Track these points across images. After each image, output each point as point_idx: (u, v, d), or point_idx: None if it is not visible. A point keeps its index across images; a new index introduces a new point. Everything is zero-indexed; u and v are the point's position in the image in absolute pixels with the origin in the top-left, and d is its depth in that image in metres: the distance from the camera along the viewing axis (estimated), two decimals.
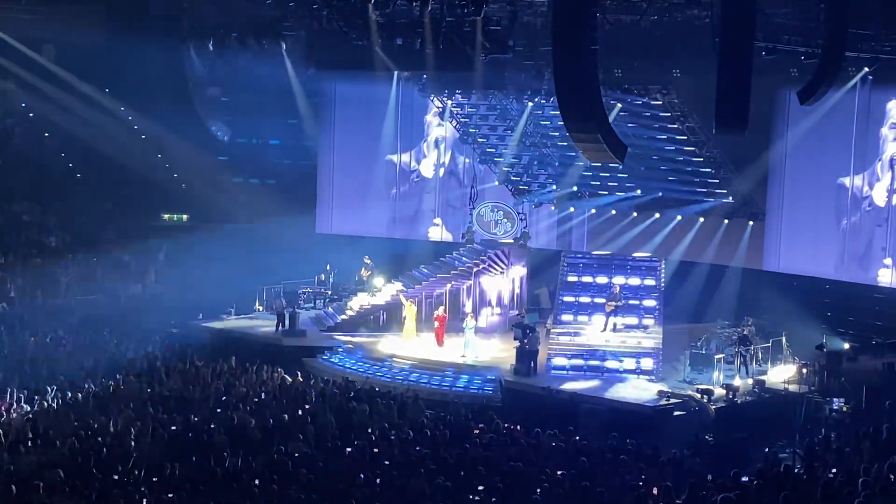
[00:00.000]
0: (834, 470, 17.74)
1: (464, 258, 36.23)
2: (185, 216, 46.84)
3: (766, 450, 21.54)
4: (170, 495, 17.43)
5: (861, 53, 28.99)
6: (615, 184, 36.70)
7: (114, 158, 42.49)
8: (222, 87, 36.39)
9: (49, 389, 25.27)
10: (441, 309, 32.93)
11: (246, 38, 29.86)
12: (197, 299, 37.93)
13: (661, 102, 31.67)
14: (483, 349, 31.63)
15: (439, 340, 32.05)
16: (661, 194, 35.66)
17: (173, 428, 21.67)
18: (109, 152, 42.32)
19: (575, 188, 37.31)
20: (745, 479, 17.38)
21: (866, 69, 30.43)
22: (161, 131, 40.90)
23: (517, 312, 34.54)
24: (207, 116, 31.27)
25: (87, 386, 25.48)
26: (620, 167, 31.49)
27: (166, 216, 46.96)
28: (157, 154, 45.06)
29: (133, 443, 20.30)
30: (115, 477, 18.28)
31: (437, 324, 32.24)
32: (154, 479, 18.31)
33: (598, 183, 36.99)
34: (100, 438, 20.57)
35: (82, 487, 17.17)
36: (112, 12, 40.49)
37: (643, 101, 31.79)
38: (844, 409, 26.35)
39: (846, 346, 30.30)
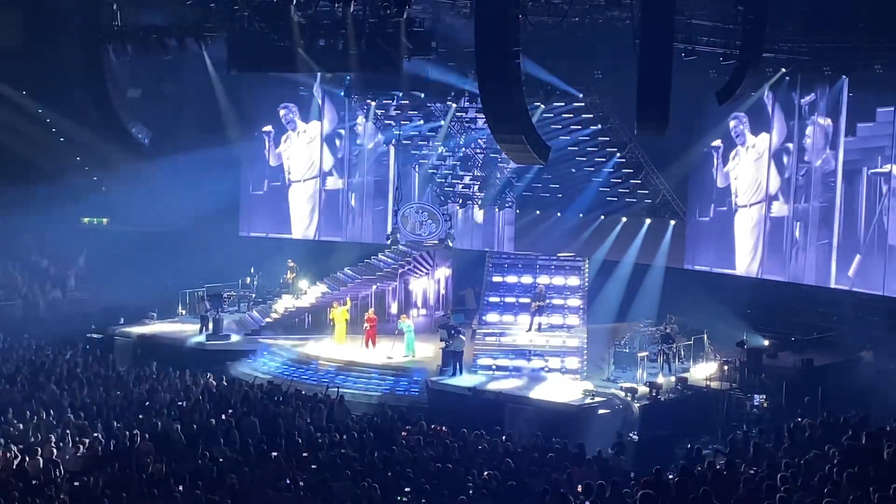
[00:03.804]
0: (755, 465, 17.98)
1: (389, 260, 36.18)
2: (104, 219, 46.11)
3: (689, 446, 21.82)
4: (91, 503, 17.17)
5: (779, 54, 29.49)
6: (539, 185, 36.93)
7: (32, 161, 41.68)
8: (142, 88, 35.89)
9: None
10: (371, 311, 32.82)
11: (166, 39, 29.43)
12: (118, 304, 37.39)
13: (583, 103, 31.92)
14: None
15: (371, 342, 31.91)
16: (584, 194, 35.97)
17: (95, 434, 21.33)
18: (27, 155, 41.49)
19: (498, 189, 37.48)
20: (669, 475, 17.57)
21: (783, 70, 30.97)
22: (80, 133, 40.18)
23: (443, 313, 34.56)
24: (127, 119, 30.78)
25: (5, 393, 24.96)
26: (544, 167, 31.70)
27: (86, 220, 46.16)
28: (76, 157, 44.30)
29: (54, 450, 19.93)
30: (35, 484, 17.92)
31: (367, 325, 32.10)
32: (76, 486, 18.02)
33: (522, 184, 37.17)
34: (19, 446, 20.18)
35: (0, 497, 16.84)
36: (28, 13, 39.73)
37: (566, 103, 32.02)
38: (765, 405, 26.91)
39: (766, 342, 30.77)
